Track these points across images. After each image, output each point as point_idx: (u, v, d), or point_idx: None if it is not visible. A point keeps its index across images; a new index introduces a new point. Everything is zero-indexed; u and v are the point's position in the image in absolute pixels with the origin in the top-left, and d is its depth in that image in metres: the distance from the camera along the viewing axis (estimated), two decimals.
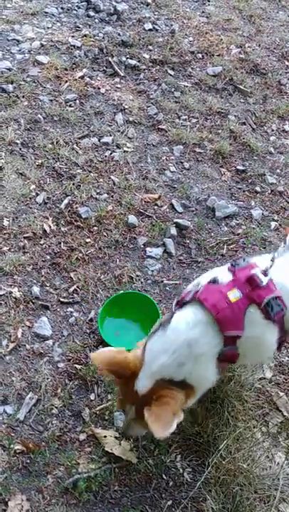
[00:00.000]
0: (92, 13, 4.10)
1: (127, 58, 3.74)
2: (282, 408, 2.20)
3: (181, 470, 1.99)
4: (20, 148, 3.00)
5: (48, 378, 2.14)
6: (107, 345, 2.25)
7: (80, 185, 2.89)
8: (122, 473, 1.95)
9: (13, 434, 1.98)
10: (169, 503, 1.90)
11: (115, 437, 2.02)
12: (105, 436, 2.01)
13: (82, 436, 2.02)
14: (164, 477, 1.96)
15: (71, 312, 2.38)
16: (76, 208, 2.77)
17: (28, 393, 2.09)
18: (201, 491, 1.91)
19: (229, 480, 1.88)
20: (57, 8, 4.07)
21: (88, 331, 2.33)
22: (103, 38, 3.89)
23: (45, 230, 2.65)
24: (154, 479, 1.95)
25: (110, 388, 2.14)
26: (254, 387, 2.19)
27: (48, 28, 3.87)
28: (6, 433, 1.98)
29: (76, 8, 4.13)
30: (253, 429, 2.08)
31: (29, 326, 2.29)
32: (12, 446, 1.93)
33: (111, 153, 3.10)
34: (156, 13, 4.28)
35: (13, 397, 2.08)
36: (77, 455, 1.96)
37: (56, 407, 2.08)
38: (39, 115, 3.20)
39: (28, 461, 1.92)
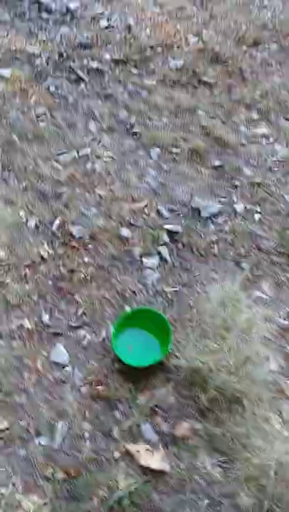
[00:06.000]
0: (45, 15, 4.02)
1: (89, 61, 3.72)
2: None
3: (211, 470, 2.15)
4: (1, 173, 2.99)
5: (74, 404, 2.24)
6: (122, 362, 2.35)
7: (67, 204, 2.92)
8: (159, 482, 2.10)
9: (52, 464, 2.09)
10: (206, 501, 2.07)
11: (147, 450, 2.16)
12: (138, 451, 2.14)
13: (116, 454, 2.14)
14: (197, 479, 2.13)
15: (83, 335, 2.46)
16: (68, 227, 2.81)
17: (58, 421, 2.19)
18: (233, 486, 2.09)
19: (257, 474, 2.07)
20: (9, 13, 3.97)
21: (103, 351, 2.42)
22: (60, 41, 3.84)
23: (42, 256, 2.69)
24: (188, 482, 2.11)
25: (134, 403, 2.27)
26: (266, 381, 2.36)
27: (5, 36, 3.78)
28: (45, 463, 2.08)
29: (28, 11, 4.04)
30: (270, 420, 2.26)
31: (46, 356, 2.37)
32: (55, 475, 2.04)
33: (92, 165, 3.13)
34: (108, 7, 4.23)
35: (44, 428, 2.18)
36: (115, 473, 2.09)
37: (87, 431, 2.19)
38: (13, 135, 3.17)
39: (71, 486, 2.04)
